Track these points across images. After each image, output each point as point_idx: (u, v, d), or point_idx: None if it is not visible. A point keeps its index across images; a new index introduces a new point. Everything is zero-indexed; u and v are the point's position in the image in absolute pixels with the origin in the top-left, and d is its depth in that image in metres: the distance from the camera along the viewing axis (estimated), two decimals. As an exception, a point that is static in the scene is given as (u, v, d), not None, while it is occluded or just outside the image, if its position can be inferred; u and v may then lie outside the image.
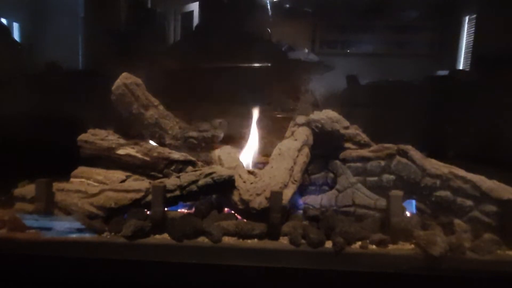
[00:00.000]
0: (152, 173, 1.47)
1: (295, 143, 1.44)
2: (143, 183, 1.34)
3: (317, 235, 1.16)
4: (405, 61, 2.30)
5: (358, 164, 1.43)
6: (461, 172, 1.31)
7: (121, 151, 1.48)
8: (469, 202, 1.28)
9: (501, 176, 1.30)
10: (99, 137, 1.51)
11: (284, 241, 1.19)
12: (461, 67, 2.31)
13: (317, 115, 1.49)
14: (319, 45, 2.39)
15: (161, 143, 1.60)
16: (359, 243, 1.18)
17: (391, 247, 1.18)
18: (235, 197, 1.29)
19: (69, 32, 2.26)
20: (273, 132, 1.71)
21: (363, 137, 1.50)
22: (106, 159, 1.50)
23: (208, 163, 1.56)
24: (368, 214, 1.34)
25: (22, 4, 2.24)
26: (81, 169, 1.51)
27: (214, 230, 1.19)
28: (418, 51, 2.38)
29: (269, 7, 2.24)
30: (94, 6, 2.27)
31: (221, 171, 1.29)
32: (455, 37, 2.31)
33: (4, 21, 2.15)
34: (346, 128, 1.48)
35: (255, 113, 1.73)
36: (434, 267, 1.12)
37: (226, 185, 1.29)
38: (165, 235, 1.21)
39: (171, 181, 1.28)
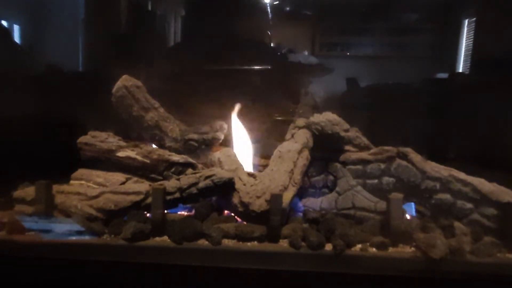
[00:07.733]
0: (152, 175, 1.47)
1: (295, 145, 1.44)
2: (143, 185, 1.34)
3: (317, 238, 1.16)
4: (405, 64, 2.30)
5: (358, 167, 1.43)
6: (461, 175, 1.31)
7: (121, 153, 1.48)
8: (469, 205, 1.28)
9: (501, 179, 1.30)
10: (99, 139, 1.51)
11: (284, 243, 1.19)
12: (460, 70, 2.32)
13: (317, 118, 1.49)
14: (319, 47, 2.39)
15: (161, 146, 1.60)
16: (359, 246, 1.18)
17: (391, 250, 1.18)
18: (235, 200, 1.29)
19: (69, 34, 2.26)
20: (273, 135, 1.71)
21: (363, 140, 1.50)
22: (106, 161, 1.50)
23: (208, 165, 1.55)
24: (368, 216, 1.33)
25: (22, 6, 2.24)
26: (81, 171, 1.51)
27: (214, 233, 1.18)
28: (417, 53, 2.38)
29: (269, 10, 2.24)
30: (94, 8, 2.27)
31: (221, 173, 1.29)
32: (454, 39, 2.31)
33: (4, 23, 2.15)
34: (346, 130, 1.48)
35: (255, 115, 1.73)
36: (434, 270, 1.12)
37: (226, 187, 1.29)
38: (165, 238, 1.21)
39: (171, 184, 1.28)
